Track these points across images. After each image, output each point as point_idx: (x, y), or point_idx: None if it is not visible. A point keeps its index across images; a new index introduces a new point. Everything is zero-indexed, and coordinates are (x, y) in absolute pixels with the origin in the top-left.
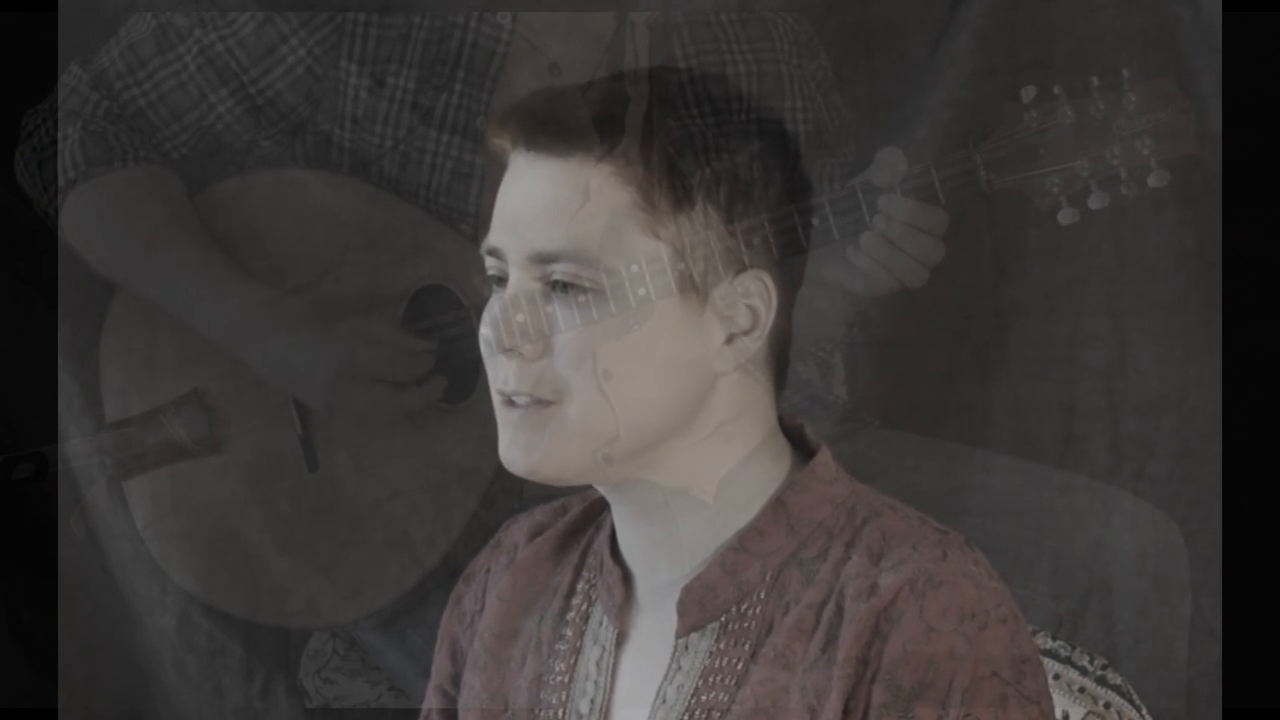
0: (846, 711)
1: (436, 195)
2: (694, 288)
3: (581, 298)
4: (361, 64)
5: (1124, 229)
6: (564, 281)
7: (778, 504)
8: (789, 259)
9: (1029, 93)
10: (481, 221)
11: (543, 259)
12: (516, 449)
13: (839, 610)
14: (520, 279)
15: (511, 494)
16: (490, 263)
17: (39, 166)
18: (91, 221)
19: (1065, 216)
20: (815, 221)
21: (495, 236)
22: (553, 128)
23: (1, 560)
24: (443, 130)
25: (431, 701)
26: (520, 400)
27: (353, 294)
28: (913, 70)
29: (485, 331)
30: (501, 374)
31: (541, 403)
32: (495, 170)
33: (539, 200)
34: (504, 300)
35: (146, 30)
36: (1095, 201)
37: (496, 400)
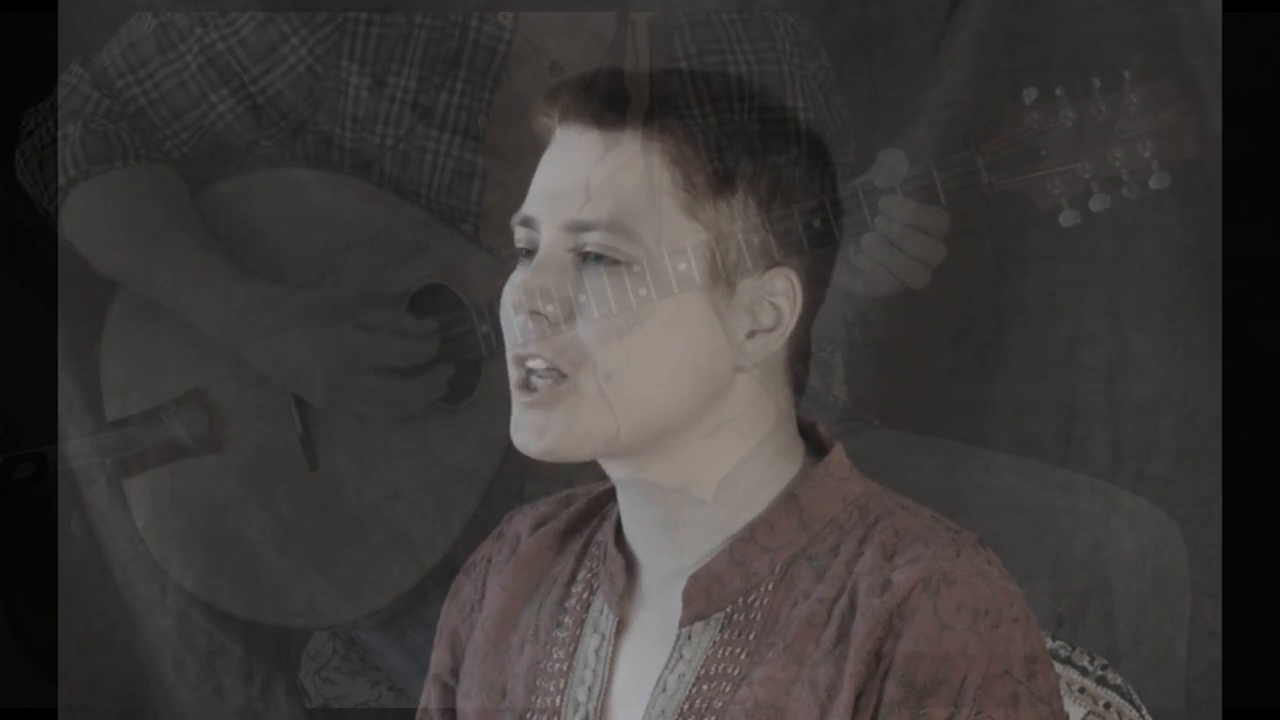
0: (857, 708)
1: (437, 195)
2: (723, 276)
3: (612, 269)
4: (362, 63)
5: (1124, 229)
6: (596, 253)
7: (789, 498)
8: (814, 274)
9: (1030, 94)
10: (483, 221)
11: (579, 227)
12: (529, 429)
13: (852, 605)
14: (553, 246)
15: (511, 494)
16: (520, 234)
17: (39, 165)
18: (92, 220)
19: (1066, 218)
20: (816, 223)
21: (531, 207)
22: (607, 101)
23: (1, 560)
24: (444, 130)
25: (430, 692)
26: (536, 366)
27: (353, 294)
28: (913, 70)
29: (509, 296)
30: (520, 338)
31: (558, 376)
32: (497, 169)
33: (583, 171)
34: (533, 263)
35: (147, 29)
36: (1096, 203)
37: (513, 376)
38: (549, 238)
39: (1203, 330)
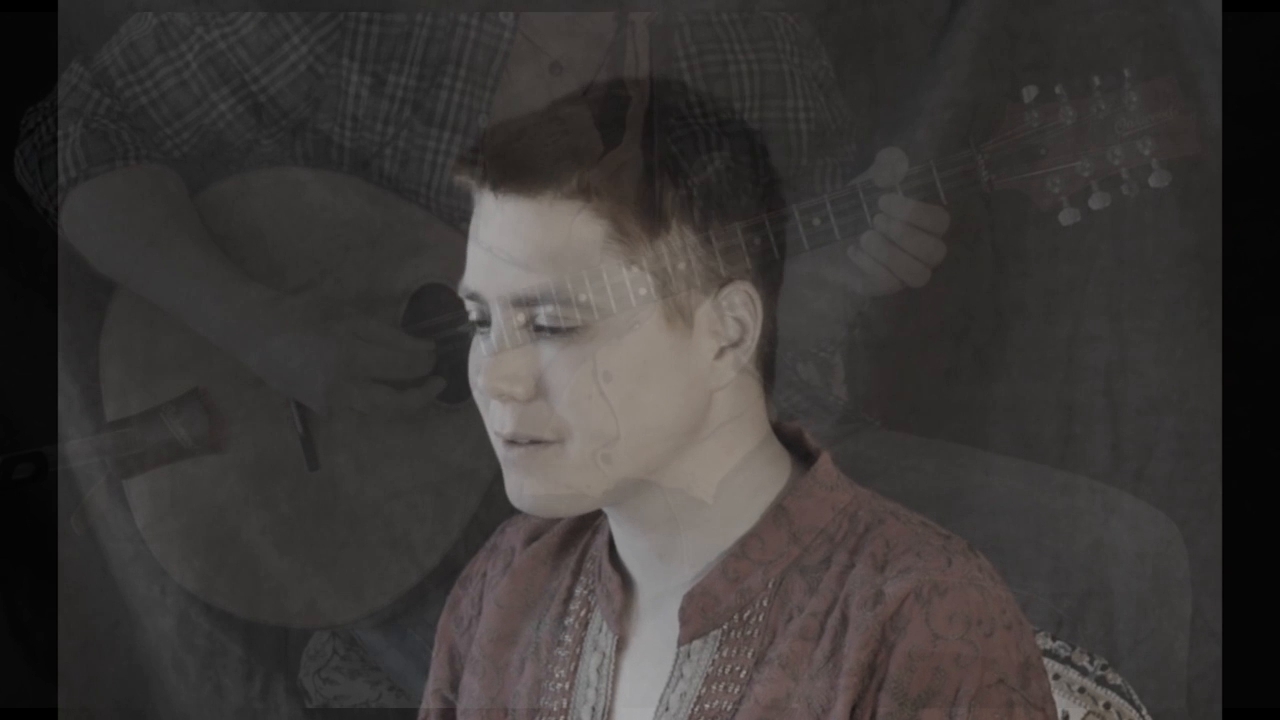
0: (852, 719)
1: (437, 194)
2: (678, 310)
3: (567, 337)
4: (363, 62)
5: (1124, 229)
6: (549, 325)
7: (779, 510)
8: (768, 278)
9: (1030, 93)
10: None
11: (524, 302)
12: (523, 489)
13: (844, 618)
14: (503, 323)
15: None
16: (470, 306)
17: (39, 165)
18: (92, 220)
19: (1066, 217)
20: (816, 221)
21: (472, 280)
22: (520, 168)
23: (1, 560)
24: (444, 129)
25: (430, 705)
26: (521, 440)
27: (353, 294)
28: (913, 70)
29: (475, 376)
30: (498, 418)
31: (541, 443)
32: None
33: (512, 242)
34: (489, 344)
35: (148, 28)
36: (1096, 202)
37: (496, 441)
38: (499, 314)
39: (1203, 330)
